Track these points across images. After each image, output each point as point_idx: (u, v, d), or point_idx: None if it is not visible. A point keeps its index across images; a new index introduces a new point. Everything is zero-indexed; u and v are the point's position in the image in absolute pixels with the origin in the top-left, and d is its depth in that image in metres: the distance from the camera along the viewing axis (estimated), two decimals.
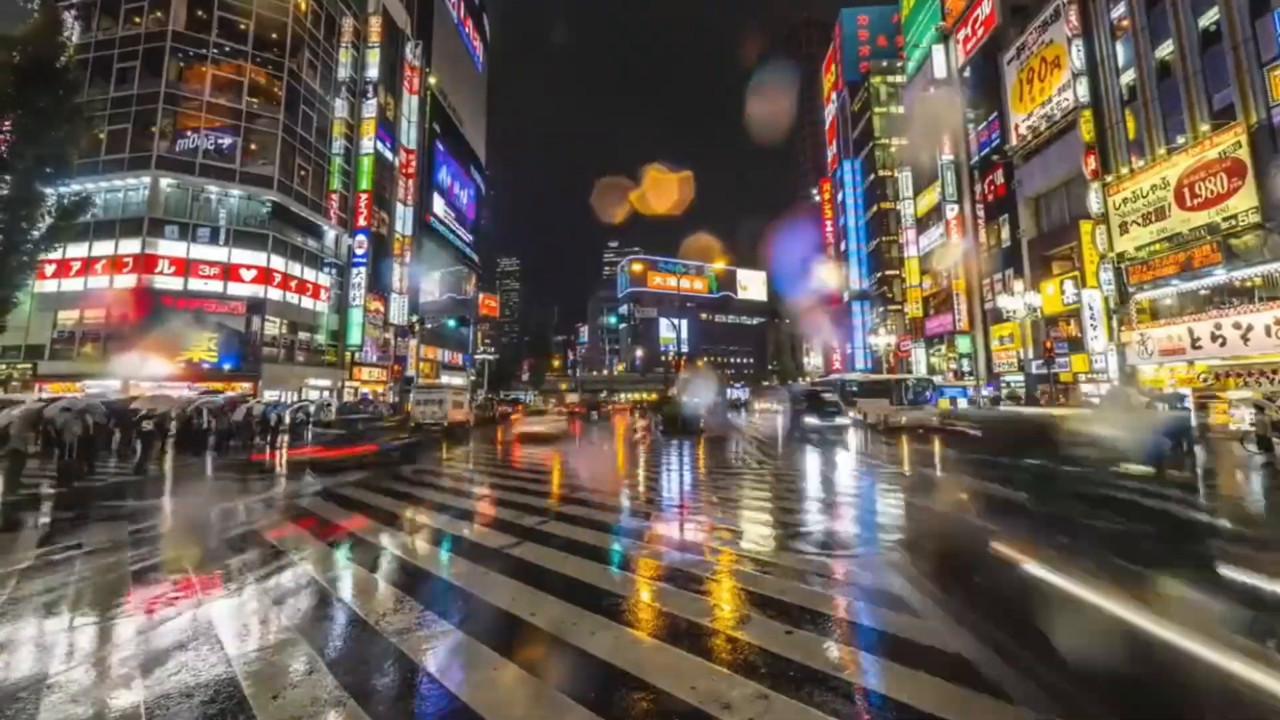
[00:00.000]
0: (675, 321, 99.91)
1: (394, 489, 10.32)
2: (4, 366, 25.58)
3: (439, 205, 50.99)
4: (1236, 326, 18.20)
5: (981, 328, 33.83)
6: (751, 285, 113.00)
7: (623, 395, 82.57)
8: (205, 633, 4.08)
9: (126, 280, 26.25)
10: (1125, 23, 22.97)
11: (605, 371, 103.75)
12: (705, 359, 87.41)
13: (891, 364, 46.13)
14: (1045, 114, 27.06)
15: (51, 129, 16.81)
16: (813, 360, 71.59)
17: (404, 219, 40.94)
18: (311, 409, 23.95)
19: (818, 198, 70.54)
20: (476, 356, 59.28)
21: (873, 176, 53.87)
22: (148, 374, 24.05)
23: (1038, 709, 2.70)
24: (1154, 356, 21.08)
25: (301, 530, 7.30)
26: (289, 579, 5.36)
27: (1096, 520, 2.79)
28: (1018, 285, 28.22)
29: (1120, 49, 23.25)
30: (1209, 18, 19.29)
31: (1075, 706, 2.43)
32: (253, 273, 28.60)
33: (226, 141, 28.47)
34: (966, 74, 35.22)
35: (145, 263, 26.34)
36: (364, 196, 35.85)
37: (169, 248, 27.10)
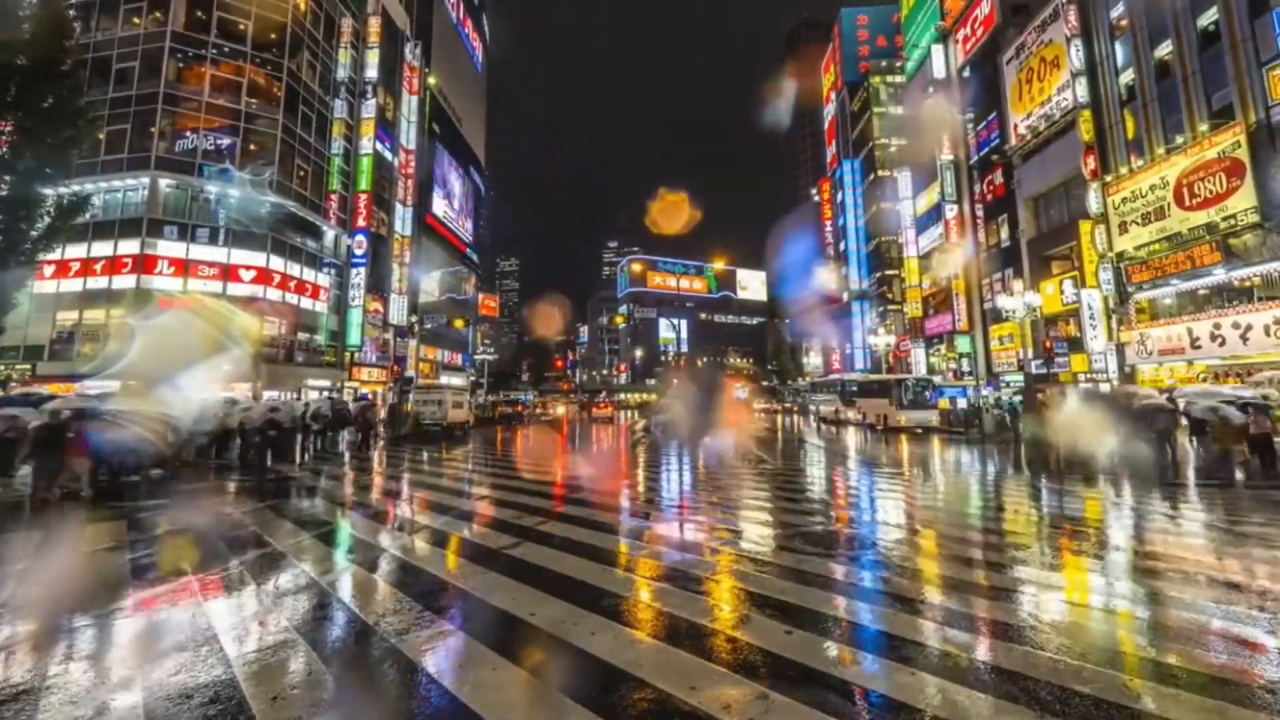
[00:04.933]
0: (675, 321, 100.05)
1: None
2: (2, 367, 25.53)
3: (438, 205, 50.95)
4: (1236, 326, 18.22)
5: (981, 327, 33.84)
6: (751, 285, 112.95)
7: (622, 396, 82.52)
8: None
9: (126, 281, 26.21)
10: (1124, 22, 23.00)
11: (605, 372, 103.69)
12: (703, 358, 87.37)
13: (891, 364, 46.13)
14: (1044, 114, 27.07)
15: (54, 130, 16.78)
16: (812, 360, 71.59)
17: (403, 219, 40.90)
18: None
19: (817, 198, 70.56)
20: (476, 357, 59.23)
21: (872, 176, 53.88)
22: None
23: None
24: (1153, 356, 21.10)
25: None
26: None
27: None
28: (1017, 285, 28.16)
29: (1119, 49, 23.27)
30: (1208, 17, 19.31)
31: None
32: (252, 273, 28.56)
33: (226, 142, 28.42)
34: (966, 74, 35.23)
35: (144, 263, 26.30)
36: (363, 197, 35.80)
37: (168, 248, 27.05)
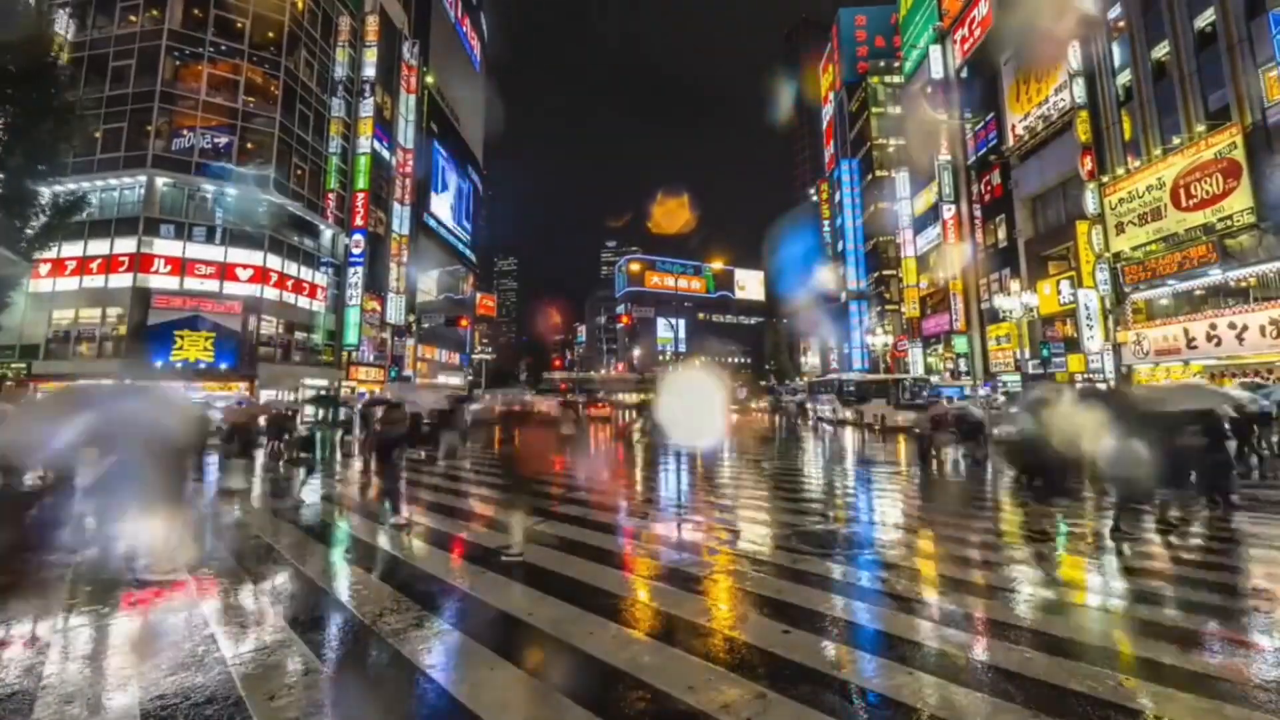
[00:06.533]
0: (673, 321, 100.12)
1: None
2: None
3: (436, 205, 50.89)
4: (1232, 326, 18.28)
5: (978, 328, 33.91)
6: (749, 285, 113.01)
7: (618, 396, 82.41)
8: None
9: (122, 280, 26.12)
10: (1121, 24, 23.05)
11: (604, 371, 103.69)
12: (701, 359, 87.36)
13: (889, 364, 46.22)
14: (1042, 114, 27.13)
15: (44, 127, 16.68)
16: (810, 360, 71.70)
17: (401, 218, 40.84)
18: None
19: (815, 198, 70.66)
20: (474, 356, 59.19)
21: (870, 176, 53.95)
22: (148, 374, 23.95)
23: None
24: (1150, 356, 21.16)
25: None
26: None
27: None
28: (1014, 285, 28.33)
29: (1116, 50, 23.32)
30: (1205, 18, 19.36)
31: None
32: (249, 272, 28.48)
33: (223, 140, 28.33)
34: (964, 74, 35.30)
35: (141, 262, 26.22)
36: (361, 196, 35.74)
37: (165, 247, 26.96)
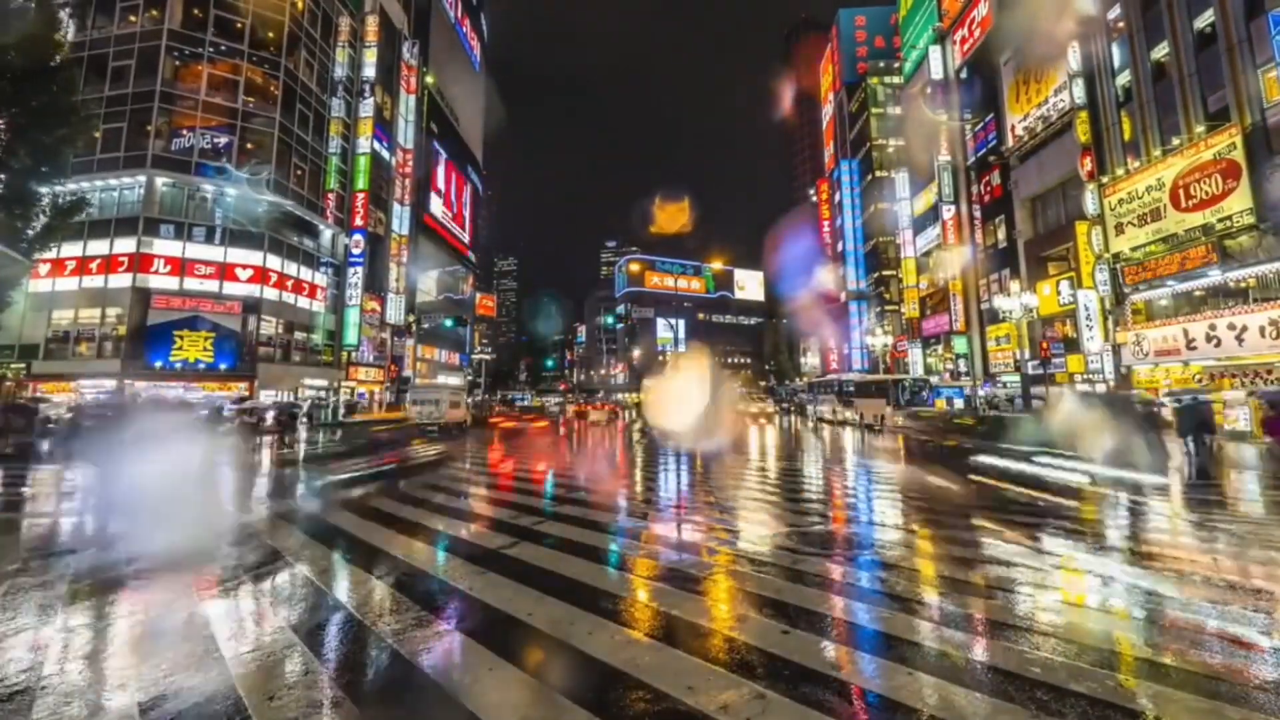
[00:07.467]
0: (673, 321, 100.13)
1: None
2: None
3: (436, 205, 50.89)
4: (1231, 327, 18.28)
5: (978, 328, 33.92)
6: (749, 285, 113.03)
7: (618, 396, 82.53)
8: None
9: (122, 280, 26.13)
10: (1121, 24, 23.06)
11: (603, 372, 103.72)
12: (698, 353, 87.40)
13: (888, 364, 46.24)
14: (1042, 115, 27.15)
15: (47, 128, 16.68)
16: (810, 360, 71.71)
17: (401, 218, 40.86)
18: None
19: (815, 198, 70.69)
20: (474, 356, 59.20)
21: (870, 177, 53.99)
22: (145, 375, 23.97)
23: None
24: (1149, 357, 21.17)
25: None
26: None
27: None
28: (1014, 286, 28.32)
29: (1116, 50, 23.34)
30: (1204, 19, 19.38)
31: None
32: (249, 272, 28.49)
33: (223, 140, 28.35)
34: (963, 75, 35.31)
35: (140, 262, 26.23)
36: (361, 196, 35.74)
37: (164, 247, 26.98)
